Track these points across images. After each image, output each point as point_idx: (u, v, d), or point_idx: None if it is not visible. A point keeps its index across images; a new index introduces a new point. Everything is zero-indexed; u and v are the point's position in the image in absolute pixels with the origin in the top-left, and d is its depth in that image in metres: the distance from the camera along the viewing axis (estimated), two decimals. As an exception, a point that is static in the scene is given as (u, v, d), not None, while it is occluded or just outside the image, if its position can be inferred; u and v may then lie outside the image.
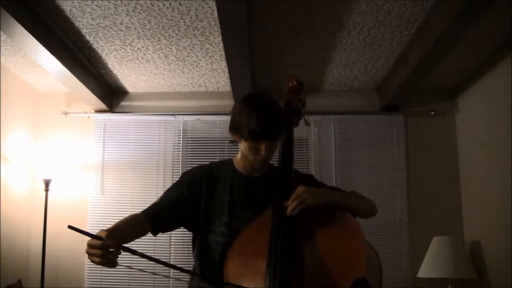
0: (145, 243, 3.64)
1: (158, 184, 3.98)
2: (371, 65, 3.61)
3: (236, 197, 1.81)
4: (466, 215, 3.82)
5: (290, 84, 1.95)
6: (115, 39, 3.17)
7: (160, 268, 1.63)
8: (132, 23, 2.96)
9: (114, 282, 3.82)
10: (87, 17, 2.89)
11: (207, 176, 1.85)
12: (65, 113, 4.08)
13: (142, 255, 1.44)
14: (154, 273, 1.49)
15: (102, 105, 3.99)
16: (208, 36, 3.11)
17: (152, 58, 3.47)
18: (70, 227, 1.43)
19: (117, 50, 3.35)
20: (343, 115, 4.06)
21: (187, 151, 4.07)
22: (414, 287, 3.72)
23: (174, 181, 3.91)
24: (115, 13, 2.84)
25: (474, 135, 3.69)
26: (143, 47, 3.29)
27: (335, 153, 4.01)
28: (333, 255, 1.54)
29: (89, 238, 1.44)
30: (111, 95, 4.12)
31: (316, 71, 3.73)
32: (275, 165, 1.89)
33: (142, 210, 1.78)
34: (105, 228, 1.51)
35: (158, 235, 1.82)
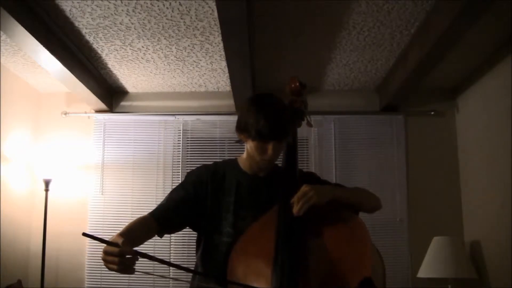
0: (145, 243, 3.63)
1: (158, 184, 3.98)
2: (371, 65, 3.61)
3: (242, 197, 1.81)
4: (466, 215, 3.82)
5: (292, 86, 1.96)
6: (115, 39, 3.17)
7: (160, 267, 1.62)
8: (132, 23, 2.96)
9: (114, 282, 3.82)
10: (87, 17, 2.89)
11: (213, 175, 1.85)
12: (65, 113, 4.08)
13: (162, 261, 1.42)
14: (163, 276, 1.48)
15: (102, 105, 3.99)
16: (208, 36, 3.11)
17: (152, 58, 3.47)
18: (84, 234, 1.39)
19: (117, 50, 3.35)
20: (343, 115, 4.06)
21: (187, 151, 4.07)
22: (414, 287, 3.72)
23: (174, 181, 4.00)
24: (115, 13, 2.84)
25: (474, 135, 3.69)
26: (143, 47, 3.29)
27: (335, 153, 4.01)
28: (340, 254, 1.53)
29: (105, 245, 1.41)
30: (111, 95, 4.13)
31: (316, 71, 3.73)
32: (279, 165, 1.90)
33: (149, 212, 1.77)
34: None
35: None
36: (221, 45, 3.15)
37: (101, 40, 3.19)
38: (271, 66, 3.62)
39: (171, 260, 3.81)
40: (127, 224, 1.66)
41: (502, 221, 3.18)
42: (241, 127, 1.78)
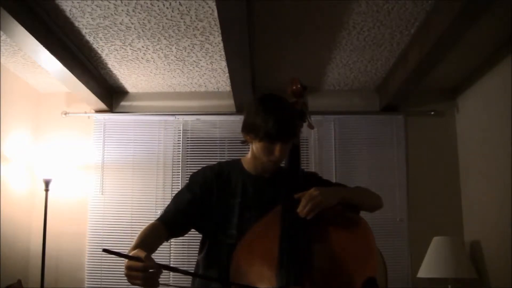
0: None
1: (158, 184, 3.98)
2: (371, 65, 3.61)
3: (248, 199, 1.81)
4: (466, 215, 3.82)
5: (294, 87, 1.95)
6: (115, 39, 3.17)
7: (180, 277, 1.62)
8: (132, 23, 2.96)
9: (114, 282, 3.82)
10: (87, 17, 2.89)
11: (217, 177, 1.84)
12: (65, 113, 4.08)
13: (186, 272, 1.41)
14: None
15: (102, 105, 3.99)
16: (208, 36, 3.11)
17: (152, 58, 3.47)
18: (105, 250, 1.35)
19: (117, 50, 3.35)
20: (343, 115, 4.06)
21: (187, 151, 4.07)
22: (414, 287, 3.72)
23: (174, 181, 4.01)
24: (115, 13, 2.84)
25: (474, 135, 3.69)
26: (143, 47, 3.29)
27: (335, 153, 4.01)
28: (344, 254, 1.54)
29: (127, 260, 1.39)
30: (111, 95, 4.12)
31: (316, 71, 3.73)
32: (282, 166, 1.90)
33: (157, 218, 1.76)
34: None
35: None
36: (221, 45, 3.15)
37: (101, 40, 3.19)
38: (271, 66, 3.62)
39: (171, 262, 3.81)
40: (139, 233, 1.64)
41: (502, 221, 3.18)
42: (248, 128, 1.77)
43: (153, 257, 1.41)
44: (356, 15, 2.85)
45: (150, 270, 1.37)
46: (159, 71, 3.71)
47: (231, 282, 1.57)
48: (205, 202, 1.80)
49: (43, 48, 2.92)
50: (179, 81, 3.93)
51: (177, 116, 4.08)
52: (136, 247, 1.51)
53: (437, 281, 3.51)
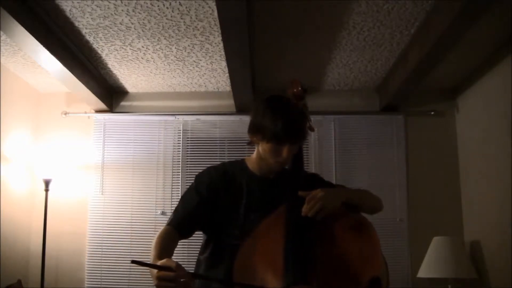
0: (142, 247, 3.66)
1: (158, 184, 3.98)
2: (371, 65, 3.61)
3: (253, 199, 1.81)
4: (466, 215, 3.82)
5: (295, 90, 1.94)
6: (115, 39, 3.17)
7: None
8: (132, 23, 2.96)
9: (114, 282, 3.82)
10: (87, 17, 2.89)
11: (222, 177, 1.84)
12: (65, 113, 4.08)
13: (217, 280, 1.41)
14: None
15: (102, 105, 3.99)
16: (208, 36, 3.11)
17: (152, 58, 3.47)
18: (134, 261, 1.34)
19: (117, 50, 3.35)
20: (343, 115, 4.06)
21: (187, 151, 4.07)
22: (414, 287, 3.72)
23: (174, 181, 4.01)
24: (115, 13, 2.84)
25: (474, 135, 3.69)
26: (143, 47, 3.29)
27: (335, 153, 4.01)
28: (350, 253, 1.54)
29: (156, 271, 1.39)
30: (111, 95, 4.12)
31: (316, 71, 3.73)
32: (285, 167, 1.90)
33: (167, 223, 1.76)
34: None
35: None
36: (221, 45, 3.15)
37: (101, 40, 3.19)
38: (271, 66, 3.62)
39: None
40: (154, 243, 1.64)
41: (502, 221, 3.18)
42: (255, 129, 1.77)
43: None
44: (356, 15, 2.85)
45: (182, 280, 1.37)
46: (159, 71, 3.71)
47: (235, 282, 1.58)
48: (212, 203, 1.80)
49: (43, 48, 2.92)
50: (179, 81, 3.93)
51: (177, 116, 4.08)
52: (159, 256, 1.51)
53: (437, 281, 3.51)
